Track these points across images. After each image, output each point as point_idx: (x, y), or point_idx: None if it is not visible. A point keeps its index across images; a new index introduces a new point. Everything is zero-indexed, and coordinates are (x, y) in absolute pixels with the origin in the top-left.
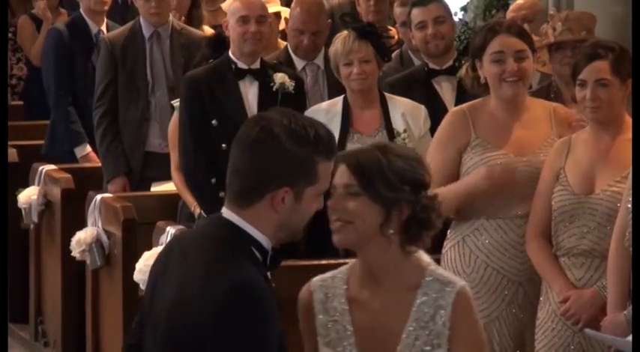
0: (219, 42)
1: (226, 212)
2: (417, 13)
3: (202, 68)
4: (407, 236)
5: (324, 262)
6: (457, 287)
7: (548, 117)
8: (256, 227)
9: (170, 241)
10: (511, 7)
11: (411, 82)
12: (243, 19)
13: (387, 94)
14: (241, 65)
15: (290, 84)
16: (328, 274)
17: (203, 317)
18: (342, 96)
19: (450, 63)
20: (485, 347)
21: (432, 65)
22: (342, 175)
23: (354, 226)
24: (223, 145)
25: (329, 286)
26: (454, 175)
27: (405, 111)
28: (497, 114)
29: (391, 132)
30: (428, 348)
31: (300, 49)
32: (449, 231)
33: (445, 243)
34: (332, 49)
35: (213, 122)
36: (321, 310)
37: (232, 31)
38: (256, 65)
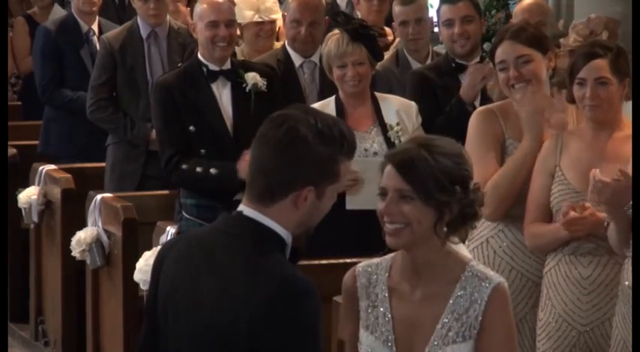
0: None
1: (247, 210)
2: (445, 10)
3: (173, 73)
4: (452, 229)
5: (324, 262)
6: (494, 283)
7: (570, 118)
8: (279, 223)
9: (177, 241)
10: (516, 10)
11: (437, 74)
12: (212, 24)
13: (377, 93)
14: (212, 67)
15: (262, 83)
16: (374, 260)
17: (254, 317)
18: (334, 96)
19: (478, 59)
20: (515, 344)
21: (458, 60)
22: (393, 178)
23: (409, 229)
24: (202, 151)
25: (372, 272)
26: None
27: (399, 109)
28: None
29: (384, 128)
30: (459, 339)
31: (297, 40)
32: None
33: (467, 244)
34: (324, 50)
35: (191, 128)
36: (364, 295)
37: (200, 34)
38: (227, 66)
